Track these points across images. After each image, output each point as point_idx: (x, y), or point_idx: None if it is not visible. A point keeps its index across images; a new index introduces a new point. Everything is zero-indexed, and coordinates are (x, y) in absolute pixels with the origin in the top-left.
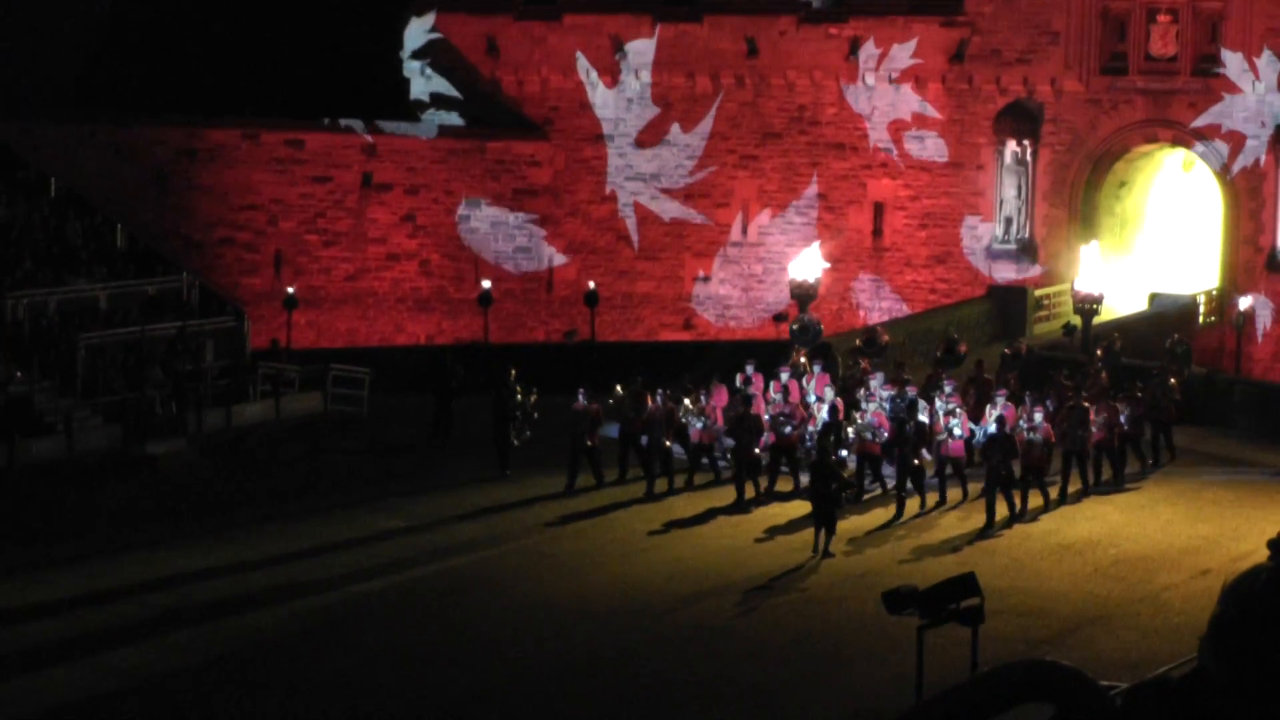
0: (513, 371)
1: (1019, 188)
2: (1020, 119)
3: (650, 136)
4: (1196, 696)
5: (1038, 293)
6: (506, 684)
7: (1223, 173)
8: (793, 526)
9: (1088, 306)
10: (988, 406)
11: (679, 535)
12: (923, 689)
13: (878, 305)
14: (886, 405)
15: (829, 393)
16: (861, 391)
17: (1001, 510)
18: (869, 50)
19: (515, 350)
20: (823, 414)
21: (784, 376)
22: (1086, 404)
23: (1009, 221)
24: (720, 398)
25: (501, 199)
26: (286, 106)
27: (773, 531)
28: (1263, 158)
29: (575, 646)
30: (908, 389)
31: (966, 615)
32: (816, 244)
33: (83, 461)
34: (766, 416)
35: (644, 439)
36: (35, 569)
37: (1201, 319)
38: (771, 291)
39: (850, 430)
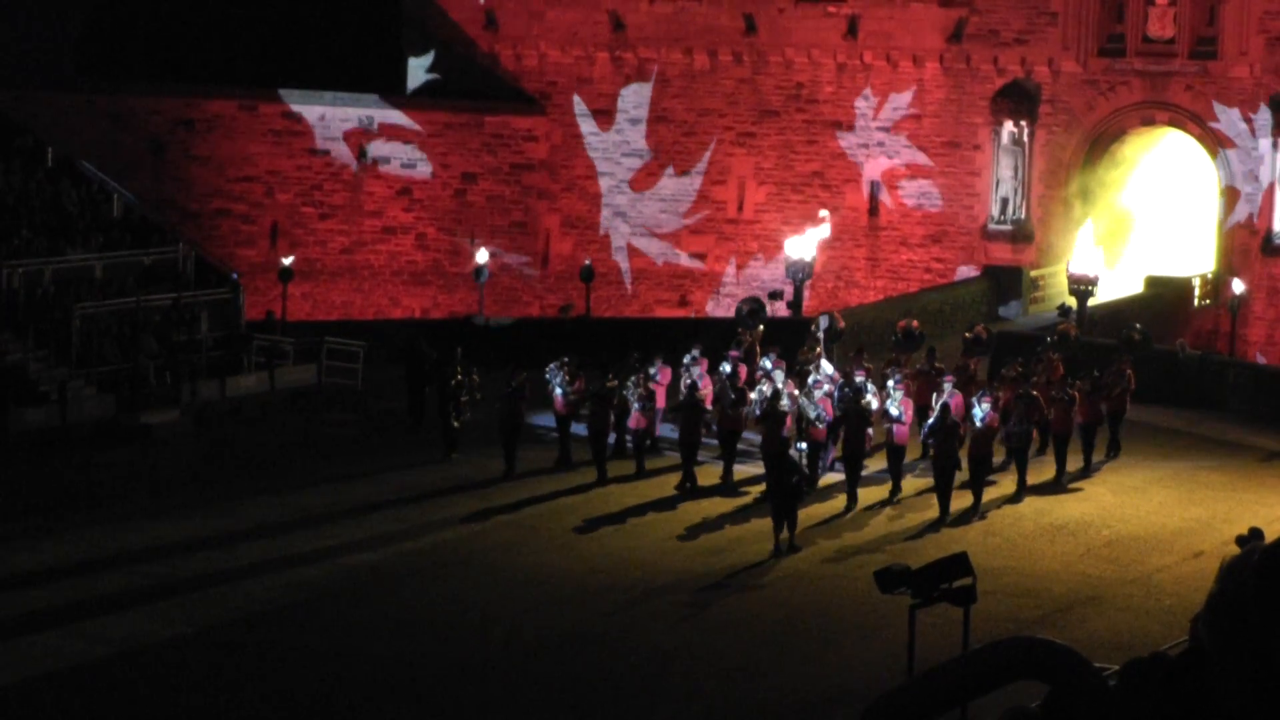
0: (459, 350)
1: (1015, 168)
2: (1017, 99)
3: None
4: (1192, 674)
5: (1033, 273)
6: (495, 657)
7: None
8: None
9: (1083, 288)
10: (934, 394)
11: (671, 514)
12: (914, 668)
13: (872, 284)
14: (835, 391)
15: (779, 376)
16: (811, 377)
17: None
18: (868, 29)
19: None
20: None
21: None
22: (1036, 394)
23: (1005, 202)
24: (665, 378)
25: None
26: (284, 78)
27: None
28: (1256, 213)
29: (564, 621)
30: (856, 374)
31: (959, 595)
32: (825, 225)
33: (76, 431)
34: (713, 399)
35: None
36: (27, 538)
37: (1197, 301)
38: (767, 270)
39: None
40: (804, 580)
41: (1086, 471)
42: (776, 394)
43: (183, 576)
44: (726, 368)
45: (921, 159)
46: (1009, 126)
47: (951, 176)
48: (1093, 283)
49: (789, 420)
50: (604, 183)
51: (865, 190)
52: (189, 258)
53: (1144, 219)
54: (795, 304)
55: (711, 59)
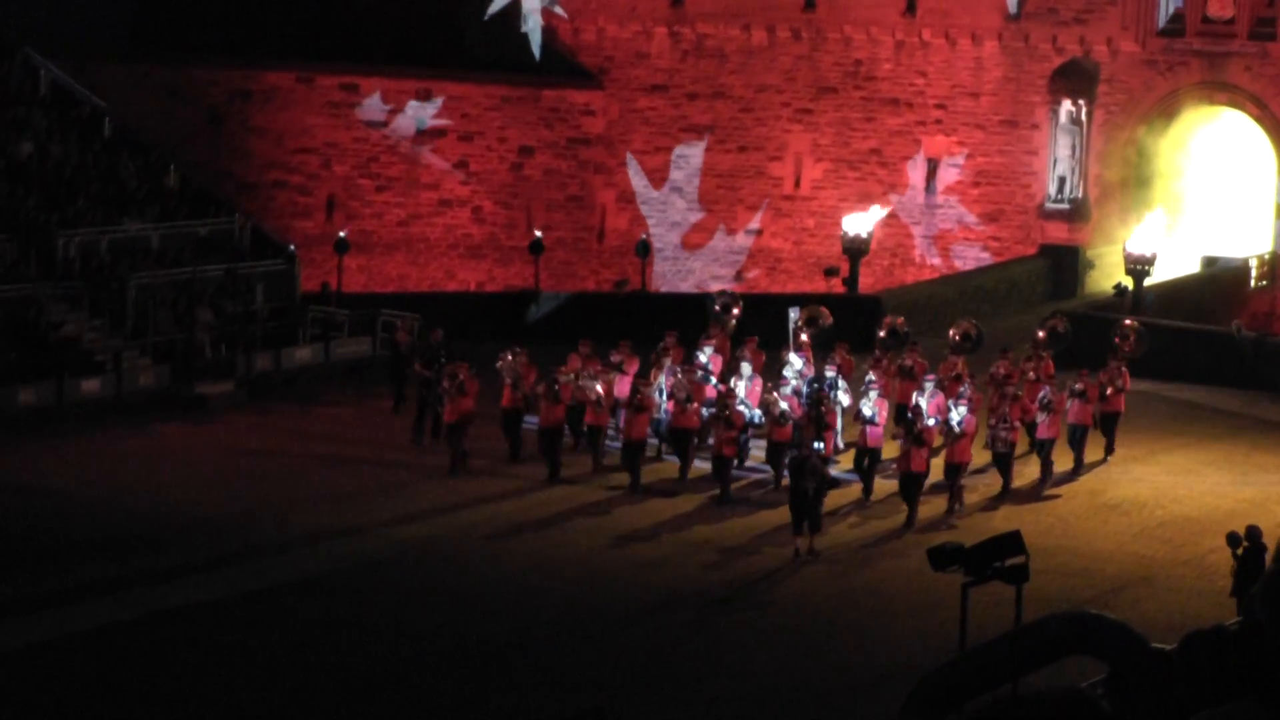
0: (439, 333)
1: (1073, 147)
2: (1076, 78)
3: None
4: (1251, 649)
5: (1089, 253)
6: (549, 630)
7: None
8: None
9: (1140, 268)
10: (914, 394)
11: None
12: (966, 645)
13: (928, 262)
14: (804, 388)
15: (746, 371)
16: (788, 370)
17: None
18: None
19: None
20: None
21: (707, 351)
22: (1021, 394)
23: (1062, 181)
24: (632, 368)
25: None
26: (341, 50)
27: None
28: None
29: (620, 595)
30: (827, 369)
31: (1011, 573)
32: (878, 207)
33: (131, 401)
34: (666, 392)
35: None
36: (80, 507)
37: (1253, 282)
38: (823, 245)
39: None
40: (855, 559)
41: (1074, 475)
42: (730, 393)
43: (233, 545)
44: (702, 357)
45: (979, 137)
46: (1067, 105)
47: (1009, 155)
48: (1150, 262)
49: (739, 419)
50: (663, 156)
51: (922, 168)
52: (245, 229)
53: (1201, 199)
54: (851, 281)
55: (770, 35)
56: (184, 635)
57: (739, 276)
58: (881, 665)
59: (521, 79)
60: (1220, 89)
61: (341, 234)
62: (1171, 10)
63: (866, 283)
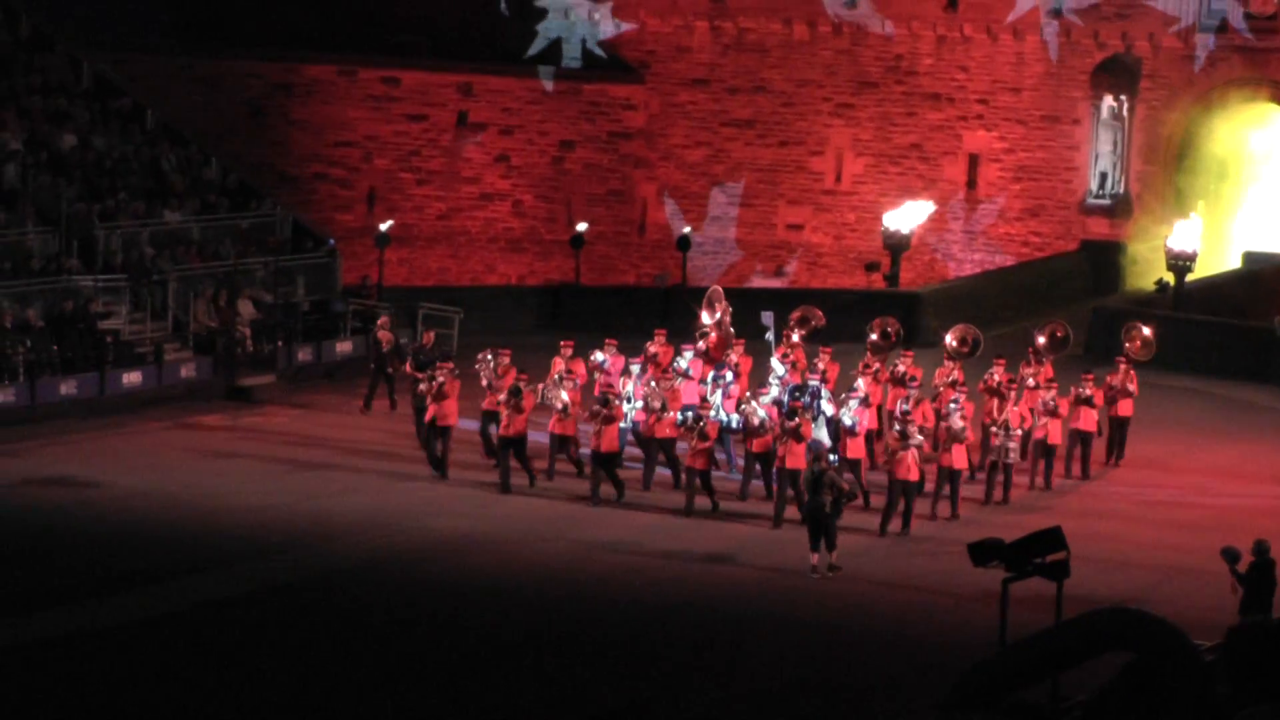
0: (431, 335)
1: (1114, 142)
2: (1117, 74)
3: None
4: None
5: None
6: (581, 625)
7: None
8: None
9: (1181, 264)
10: (899, 402)
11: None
12: (1006, 641)
13: (969, 258)
14: (784, 397)
15: (728, 378)
16: (772, 375)
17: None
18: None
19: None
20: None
21: (688, 355)
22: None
23: (1104, 176)
24: (617, 367)
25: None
26: (383, 43)
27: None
28: None
29: (659, 590)
30: (810, 377)
31: (1052, 569)
32: (926, 203)
33: (172, 394)
34: (631, 399)
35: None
36: (119, 496)
37: None
38: (864, 240)
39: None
40: (892, 553)
41: (1083, 480)
42: (703, 403)
43: (266, 538)
44: (682, 362)
45: (1020, 133)
46: (1108, 101)
47: (1050, 150)
48: (1191, 259)
49: (714, 431)
50: (702, 150)
51: (964, 163)
52: (286, 222)
53: (1243, 194)
54: (892, 277)
55: (811, 30)
56: (210, 628)
57: (779, 271)
58: (920, 660)
59: (562, 73)
60: (1262, 84)
61: (383, 227)
62: (1213, 6)
63: (907, 278)
